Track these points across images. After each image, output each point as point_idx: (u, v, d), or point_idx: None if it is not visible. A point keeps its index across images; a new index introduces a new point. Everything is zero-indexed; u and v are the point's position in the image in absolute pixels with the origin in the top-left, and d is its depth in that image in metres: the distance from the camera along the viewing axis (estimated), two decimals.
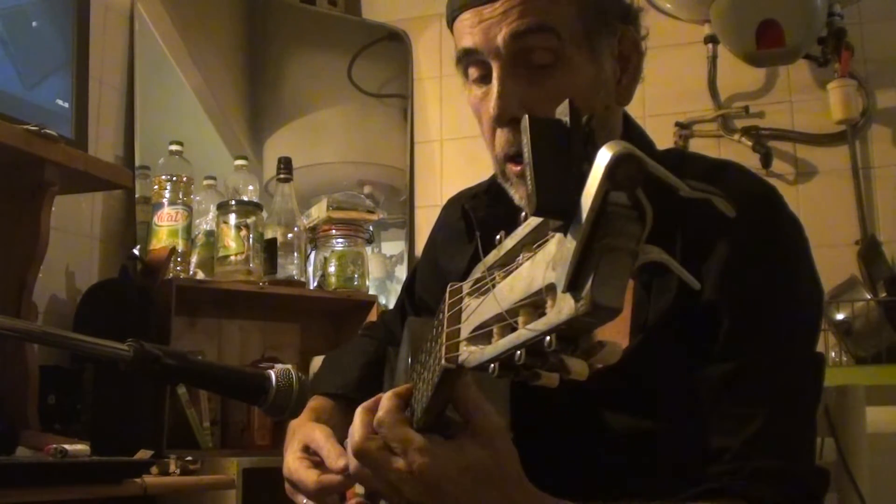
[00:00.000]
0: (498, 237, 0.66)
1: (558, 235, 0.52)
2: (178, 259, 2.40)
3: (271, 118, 2.99)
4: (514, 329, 0.58)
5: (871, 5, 2.72)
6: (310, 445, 1.12)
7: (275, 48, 3.04)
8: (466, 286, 0.73)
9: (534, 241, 0.58)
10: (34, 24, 2.13)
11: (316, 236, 2.67)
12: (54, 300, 2.29)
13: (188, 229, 2.45)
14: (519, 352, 0.57)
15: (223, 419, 2.44)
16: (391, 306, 1.61)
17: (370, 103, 3.16)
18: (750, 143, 2.73)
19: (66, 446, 1.70)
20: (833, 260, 2.50)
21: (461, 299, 0.72)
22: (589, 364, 0.56)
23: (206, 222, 2.50)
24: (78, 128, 2.17)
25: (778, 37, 2.52)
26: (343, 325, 2.73)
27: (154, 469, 1.90)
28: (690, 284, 0.56)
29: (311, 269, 2.66)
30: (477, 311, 0.66)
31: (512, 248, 0.62)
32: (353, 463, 0.88)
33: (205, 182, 2.58)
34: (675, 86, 2.82)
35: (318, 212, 2.67)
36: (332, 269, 2.62)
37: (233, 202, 2.46)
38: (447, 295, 0.76)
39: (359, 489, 1.11)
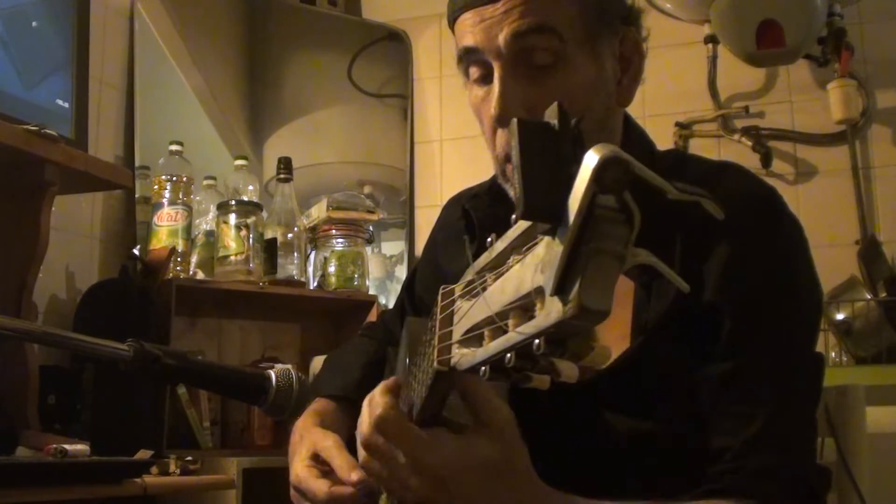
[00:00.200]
0: (489, 239, 0.66)
1: (546, 238, 0.52)
2: (178, 259, 2.40)
3: (271, 118, 2.99)
4: (504, 332, 0.58)
5: (871, 5, 2.72)
6: (320, 454, 1.11)
7: (275, 48, 3.04)
8: (458, 289, 0.73)
9: (524, 244, 0.58)
10: (34, 24, 2.13)
11: (316, 236, 2.67)
12: (54, 300, 2.29)
13: (188, 229, 2.45)
14: (509, 355, 0.57)
15: (223, 419, 2.44)
16: (391, 306, 1.61)
17: (370, 103, 3.16)
18: (750, 143, 2.73)
19: (66, 446, 1.70)
20: (833, 260, 2.50)
21: (453, 302, 0.72)
22: (579, 367, 0.56)
23: (206, 222, 2.50)
24: (78, 128, 2.18)
25: (778, 37, 2.51)
26: (343, 325, 2.73)
27: (154, 469, 1.90)
28: (680, 287, 0.56)
29: (311, 269, 2.66)
30: (468, 313, 0.66)
31: (502, 250, 0.62)
32: (362, 454, 0.87)
33: (205, 182, 2.58)
34: (675, 86, 2.82)
35: (318, 212, 2.67)
36: (332, 269, 2.62)
37: (233, 202, 2.46)
38: (439, 297, 0.76)
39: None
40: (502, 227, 0.68)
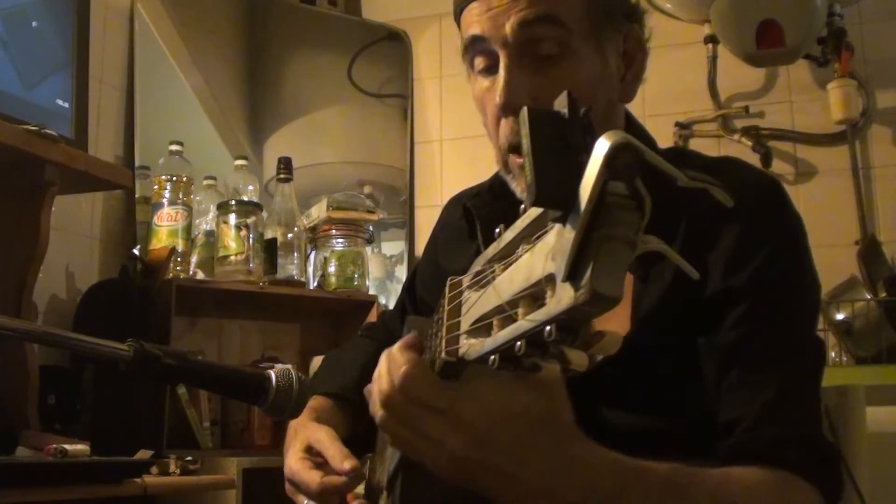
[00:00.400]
0: (497, 230, 0.66)
1: (557, 226, 0.52)
2: (178, 259, 2.39)
3: (271, 118, 2.99)
4: (514, 320, 0.58)
5: (871, 5, 2.72)
6: (314, 446, 1.12)
7: (275, 48, 3.03)
8: (466, 280, 0.73)
9: (532, 234, 0.58)
10: (34, 24, 2.13)
11: (316, 236, 2.66)
12: (54, 300, 2.29)
13: (188, 229, 2.45)
14: (519, 343, 0.57)
15: (223, 419, 2.44)
16: (391, 306, 1.61)
17: (370, 103, 3.16)
18: (750, 143, 2.74)
19: (66, 446, 1.70)
20: (833, 260, 2.50)
21: (461, 293, 0.72)
22: (588, 355, 0.56)
23: (206, 222, 2.50)
24: (78, 128, 2.17)
25: (778, 37, 2.52)
26: (343, 325, 2.73)
27: (154, 469, 1.90)
28: (689, 274, 0.56)
29: (311, 269, 2.66)
30: (477, 303, 0.66)
31: (511, 240, 0.62)
32: (380, 415, 0.82)
33: (205, 182, 2.58)
34: (675, 86, 2.82)
35: (318, 212, 2.67)
36: (332, 269, 2.62)
37: (233, 202, 2.46)
38: (447, 289, 0.76)
39: (360, 490, 1.11)
40: (504, 225, 0.68)
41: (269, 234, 2.49)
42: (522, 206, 0.59)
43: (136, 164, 2.56)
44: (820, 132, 2.73)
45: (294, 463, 1.11)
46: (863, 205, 2.64)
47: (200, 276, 2.42)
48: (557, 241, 0.52)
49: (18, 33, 2.08)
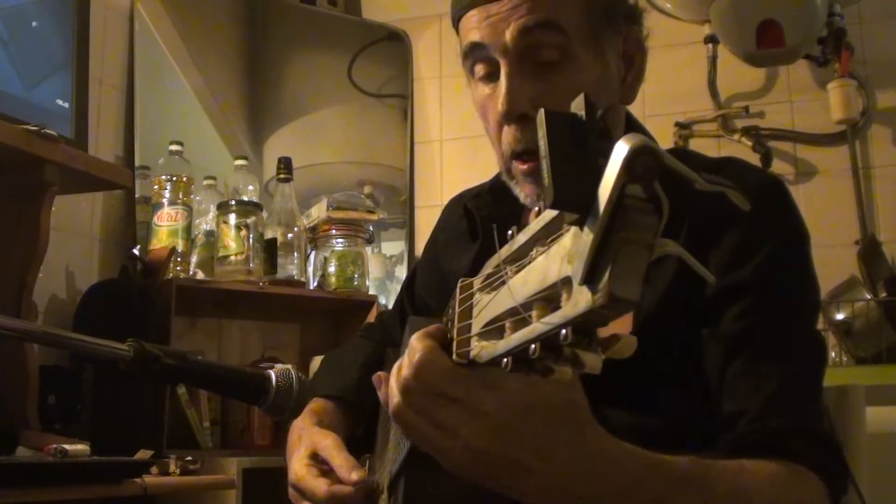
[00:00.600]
0: (510, 232, 0.66)
1: (574, 229, 0.52)
2: (178, 259, 2.39)
3: (271, 118, 2.99)
4: (527, 323, 0.58)
5: (871, 5, 2.73)
6: (320, 453, 1.11)
7: (275, 48, 3.03)
8: (477, 282, 0.72)
9: (547, 236, 0.58)
10: (34, 24, 2.13)
11: (316, 236, 2.66)
12: (54, 300, 2.29)
13: (188, 229, 2.45)
14: (534, 346, 0.57)
15: (223, 419, 2.43)
16: (391, 306, 1.61)
17: (370, 103, 3.15)
18: (750, 143, 2.74)
19: (66, 446, 1.70)
20: (833, 260, 2.50)
21: (472, 295, 0.72)
22: (603, 358, 0.56)
23: (206, 222, 2.49)
24: (78, 128, 2.17)
25: (778, 37, 2.52)
26: (343, 325, 2.73)
27: (154, 469, 1.90)
28: (706, 279, 0.55)
29: (311, 269, 2.66)
30: (489, 305, 0.66)
31: (524, 242, 0.62)
32: (394, 402, 0.79)
33: (205, 182, 2.58)
34: (675, 86, 2.82)
35: (318, 212, 2.67)
36: (332, 269, 2.62)
37: (233, 202, 2.46)
38: (458, 290, 0.76)
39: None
40: (505, 226, 0.68)
41: (269, 234, 2.49)
42: (536, 209, 0.59)
43: (136, 164, 2.56)
44: (820, 132, 2.74)
45: (299, 469, 1.11)
46: (863, 205, 2.65)
47: (200, 276, 2.41)
48: (574, 243, 0.52)
49: (18, 33, 2.08)
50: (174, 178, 2.44)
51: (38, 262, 1.97)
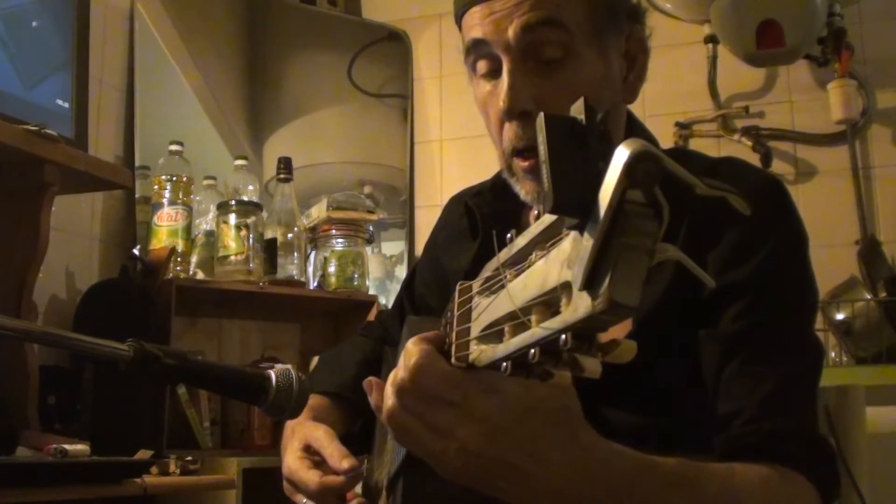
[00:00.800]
0: (509, 235, 0.66)
1: (574, 233, 0.52)
2: (178, 259, 2.39)
3: (271, 118, 2.99)
4: (526, 328, 0.58)
5: (871, 5, 2.72)
6: (312, 445, 1.12)
7: (275, 48, 3.03)
8: (476, 285, 0.72)
9: (546, 240, 0.58)
10: (34, 24, 2.13)
11: (316, 236, 2.66)
12: (54, 300, 2.29)
13: (188, 229, 2.45)
14: (533, 350, 0.57)
15: (223, 419, 2.43)
16: (391, 306, 1.61)
17: (370, 103, 3.15)
18: (750, 143, 2.74)
19: (66, 446, 1.70)
20: (833, 260, 2.50)
21: (471, 298, 0.72)
22: (602, 363, 0.56)
23: (206, 222, 2.49)
24: (78, 128, 2.17)
25: (778, 37, 2.52)
26: (343, 325, 2.73)
27: (154, 469, 1.90)
28: (706, 283, 0.55)
29: (311, 269, 2.66)
30: (488, 309, 0.66)
31: (523, 246, 0.62)
32: (389, 404, 0.78)
33: (205, 182, 2.58)
34: (675, 86, 2.82)
35: (318, 212, 2.67)
36: (332, 269, 2.62)
37: (233, 202, 2.46)
38: (456, 294, 0.76)
39: (358, 490, 1.11)
40: (505, 224, 0.68)
41: (269, 234, 2.49)
42: (535, 212, 0.58)
43: (136, 164, 2.56)
44: (820, 132, 2.74)
45: (292, 462, 1.12)
46: (863, 205, 2.65)
47: (200, 276, 2.42)
48: (573, 248, 0.51)
49: (18, 33, 2.08)
50: (174, 178, 2.43)
51: (38, 262, 1.97)
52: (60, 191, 2.00)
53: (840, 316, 2.43)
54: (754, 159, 2.68)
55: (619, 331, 1.00)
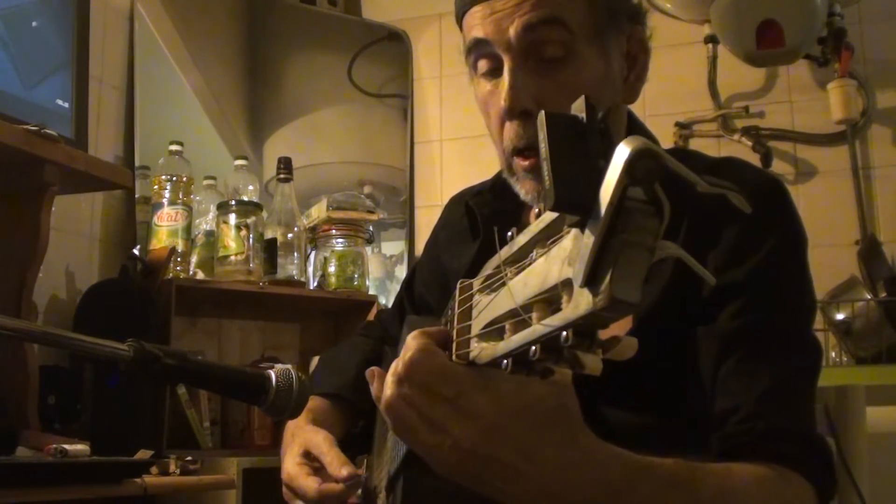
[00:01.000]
0: (510, 234, 0.66)
1: (574, 231, 0.52)
2: (178, 259, 2.39)
3: (271, 118, 2.99)
4: (528, 325, 0.58)
5: (871, 5, 2.72)
6: (311, 451, 1.12)
7: (275, 48, 3.03)
8: (477, 283, 0.72)
9: (547, 238, 0.58)
10: (34, 24, 2.12)
11: (316, 236, 2.66)
12: (54, 300, 2.29)
13: (188, 229, 2.45)
14: (534, 347, 0.57)
15: (223, 419, 2.44)
16: (391, 306, 1.62)
17: (370, 103, 3.16)
18: (750, 143, 2.74)
19: (66, 446, 1.70)
20: (833, 260, 2.50)
21: (471, 296, 0.72)
22: (603, 360, 0.56)
23: (206, 222, 2.49)
24: (78, 128, 2.17)
25: (778, 37, 2.52)
26: (343, 325, 2.73)
27: (154, 469, 1.90)
28: (707, 280, 0.55)
29: (311, 269, 2.66)
30: (489, 307, 0.66)
31: (524, 244, 0.62)
32: (386, 395, 0.78)
33: (205, 182, 2.58)
34: (675, 86, 2.82)
35: (318, 212, 2.67)
36: (332, 269, 2.62)
37: (233, 202, 2.46)
38: (457, 292, 0.76)
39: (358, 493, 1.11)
40: (506, 224, 0.68)
41: (269, 234, 2.49)
42: (536, 210, 0.59)
43: (136, 164, 2.56)
44: (820, 132, 2.74)
45: (291, 468, 1.12)
46: (863, 205, 2.65)
47: (200, 276, 2.42)
48: (574, 246, 0.52)
49: (18, 33, 2.08)
50: (174, 178, 2.44)
51: (38, 262, 1.97)
52: (60, 191, 2.00)
53: (840, 316, 2.43)
54: (754, 159, 2.68)
55: (620, 328, 1.01)
